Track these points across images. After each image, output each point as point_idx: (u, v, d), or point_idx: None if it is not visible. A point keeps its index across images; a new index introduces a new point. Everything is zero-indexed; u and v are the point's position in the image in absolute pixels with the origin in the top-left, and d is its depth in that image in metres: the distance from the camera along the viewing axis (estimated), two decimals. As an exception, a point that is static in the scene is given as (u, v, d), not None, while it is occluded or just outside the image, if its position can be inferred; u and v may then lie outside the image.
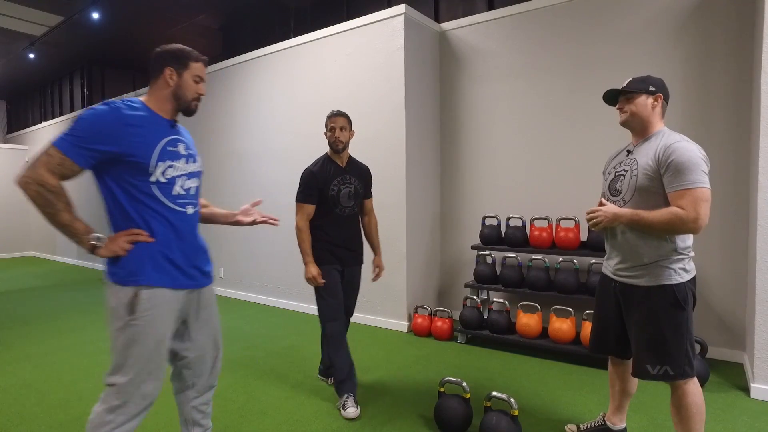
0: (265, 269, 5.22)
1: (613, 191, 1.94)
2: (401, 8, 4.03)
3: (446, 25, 4.48)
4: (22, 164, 10.33)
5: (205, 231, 1.75)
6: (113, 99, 1.56)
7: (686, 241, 1.81)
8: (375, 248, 2.90)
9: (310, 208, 2.62)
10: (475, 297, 3.78)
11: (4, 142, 11.05)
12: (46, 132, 9.62)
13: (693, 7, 3.33)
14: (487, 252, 3.85)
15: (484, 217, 3.88)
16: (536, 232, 3.57)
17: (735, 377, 2.96)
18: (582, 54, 3.75)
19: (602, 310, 2.04)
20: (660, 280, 1.79)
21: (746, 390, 2.76)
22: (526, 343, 3.45)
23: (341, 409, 2.55)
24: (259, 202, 2.02)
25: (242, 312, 4.90)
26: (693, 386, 1.81)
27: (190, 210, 1.64)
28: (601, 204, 1.89)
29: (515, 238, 3.66)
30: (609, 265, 1.99)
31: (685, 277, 1.79)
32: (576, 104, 3.79)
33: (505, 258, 3.77)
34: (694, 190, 1.69)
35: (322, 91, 4.62)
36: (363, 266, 2.84)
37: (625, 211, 1.81)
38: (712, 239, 3.31)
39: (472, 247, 3.90)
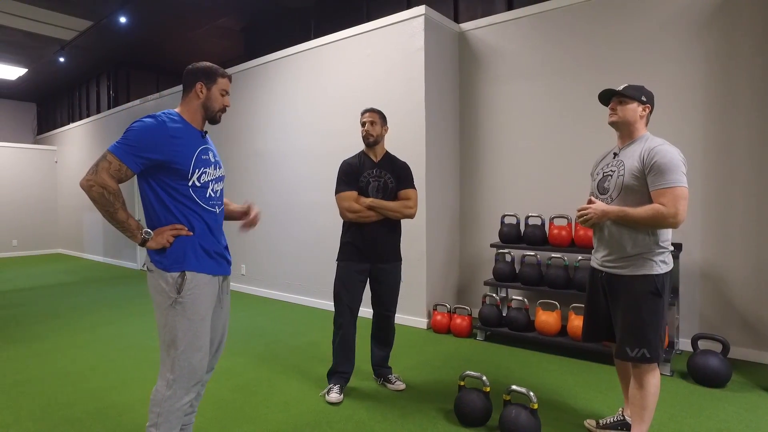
0: (287, 267, 5.33)
1: (601, 190, 2.09)
2: (421, 9, 4.08)
3: (465, 26, 4.51)
4: (52, 165, 10.68)
5: (227, 229, 1.93)
6: (158, 112, 1.77)
7: (666, 236, 1.96)
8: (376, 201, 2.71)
9: (353, 194, 2.70)
10: (494, 295, 3.81)
11: (34, 143, 11.43)
12: (75, 133, 9.93)
13: (715, 7, 3.30)
14: (506, 250, 3.88)
15: (504, 216, 3.91)
16: (555, 231, 3.59)
17: (759, 378, 2.94)
18: (601, 54, 3.75)
19: (592, 300, 2.18)
20: (642, 270, 1.95)
21: (770, 390, 2.75)
22: (545, 341, 3.47)
23: (326, 395, 2.73)
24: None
25: (264, 309, 5.02)
26: (656, 368, 1.99)
27: (218, 210, 1.88)
28: (590, 202, 2.04)
29: (534, 237, 3.68)
30: (596, 258, 2.14)
31: (665, 269, 1.96)
32: (595, 104, 3.75)
33: (524, 256, 3.79)
34: (675, 188, 1.85)
35: (342, 92, 4.69)
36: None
37: (613, 208, 1.97)
38: (735, 239, 3.28)
39: (492, 245, 3.93)
